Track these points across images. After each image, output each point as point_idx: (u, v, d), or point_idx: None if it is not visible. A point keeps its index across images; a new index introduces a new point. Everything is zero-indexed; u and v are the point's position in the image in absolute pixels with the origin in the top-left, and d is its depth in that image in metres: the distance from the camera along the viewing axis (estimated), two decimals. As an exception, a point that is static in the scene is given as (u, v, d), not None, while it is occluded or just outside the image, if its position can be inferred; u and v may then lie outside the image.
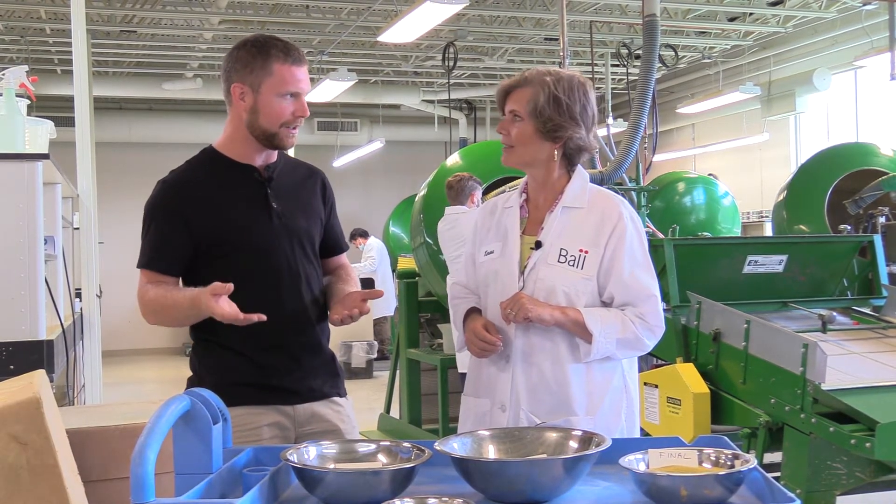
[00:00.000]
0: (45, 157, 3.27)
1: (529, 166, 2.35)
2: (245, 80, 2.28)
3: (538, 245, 2.29)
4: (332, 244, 2.54)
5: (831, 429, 3.25)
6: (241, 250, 2.31)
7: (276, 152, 2.40)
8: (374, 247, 11.80)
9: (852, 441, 3.15)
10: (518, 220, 2.35)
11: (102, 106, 12.74)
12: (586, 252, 2.27)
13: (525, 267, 2.29)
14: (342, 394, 2.47)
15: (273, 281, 2.33)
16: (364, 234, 11.97)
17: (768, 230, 10.92)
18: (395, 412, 6.79)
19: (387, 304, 11.17)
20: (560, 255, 2.27)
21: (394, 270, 11.52)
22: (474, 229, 2.47)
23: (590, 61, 10.51)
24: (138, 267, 2.34)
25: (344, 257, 2.61)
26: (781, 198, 6.63)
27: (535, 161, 2.32)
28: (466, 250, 2.50)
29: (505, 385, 2.28)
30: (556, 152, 2.30)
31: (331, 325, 2.49)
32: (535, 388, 2.26)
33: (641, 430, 4.18)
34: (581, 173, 2.38)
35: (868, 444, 3.10)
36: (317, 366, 2.39)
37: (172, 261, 2.32)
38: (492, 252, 2.35)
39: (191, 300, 2.19)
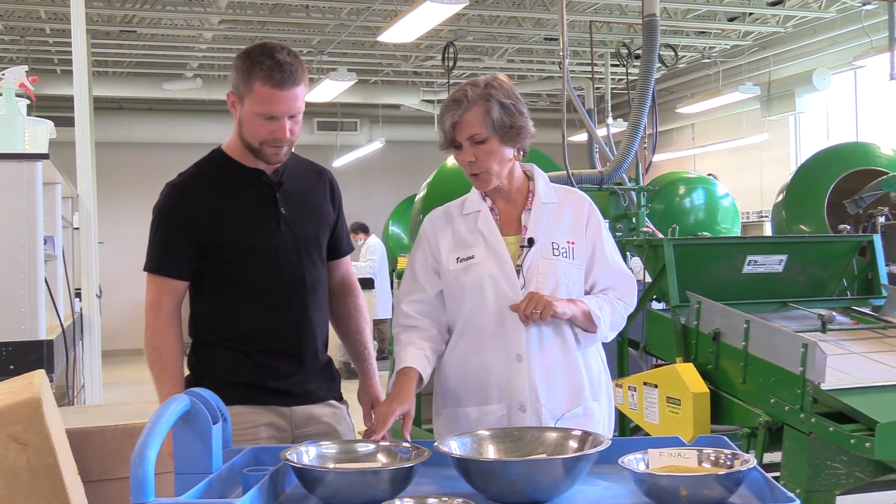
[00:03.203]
0: (44, 157, 3.27)
1: (503, 177, 2.33)
2: (235, 91, 2.27)
3: (531, 242, 2.29)
4: (337, 246, 2.52)
5: (831, 428, 3.25)
6: (248, 257, 2.30)
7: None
8: (376, 249, 11.80)
9: (852, 441, 3.15)
10: (494, 222, 2.34)
11: (102, 106, 12.72)
12: (573, 243, 2.33)
13: (520, 265, 2.29)
14: (338, 397, 2.47)
15: (278, 288, 2.33)
16: (365, 230, 11.94)
17: (768, 230, 10.92)
18: (394, 412, 6.79)
19: (387, 305, 11.20)
20: (553, 248, 2.31)
21: (393, 270, 11.52)
22: (426, 242, 2.38)
23: (589, 61, 10.50)
24: (145, 270, 2.34)
25: (348, 263, 2.59)
26: (781, 198, 6.63)
27: (506, 170, 2.32)
28: (411, 267, 2.39)
29: (522, 384, 2.25)
30: (517, 152, 2.34)
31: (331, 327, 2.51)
32: (552, 382, 2.27)
33: (641, 429, 4.19)
34: (539, 171, 2.43)
35: (868, 444, 3.10)
36: (315, 370, 2.40)
37: (180, 266, 2.32)
38: (470, 257, 2.31)
39: (163, 399, 2.21)
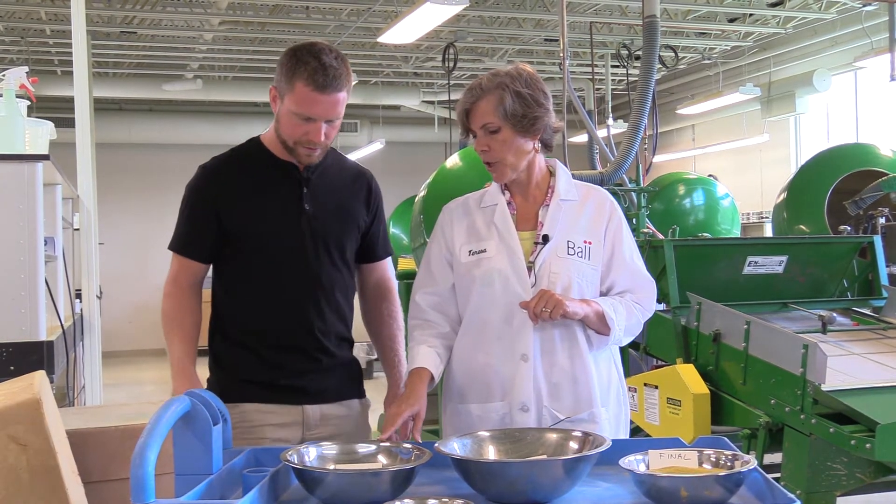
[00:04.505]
0: (45, 157, 3.26)
1: (521, 170, 2.30)
2: (277, 86, 2.26)
3: (545, 239, 2.25)
4: (371, 249, 2.49)
5: (831, 429, 3.25)
6: (264, 249, 2.31)
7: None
8: None
9: (852, 442, 3.15)
10: (510, 217, 2.31)
11: (102, 107, 12.73)
12: (590, 243, 2.28)
13: (532, 262, 2.25)
14: (359, 395, 2.44)
15: (291, 285, 2.31)
16: None
17: (768, 231, 10.91)
18: (395, 413, 6.79)
19: None
20: (568, 247, 2.25)
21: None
22: (441, 232, 2.37)
23: (590, 62, 10.51)
24: (169, 249, 2.39)
25: (384, 267, 2.54)
26: (781, 199, 6.62)
27: (523, 162, 2.29)
28: (426, 259, 2.38)
29: (526, 384, 2.21)
30: (536, 144, 2.29)
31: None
32: (558, 384, 2.22)
33: (642, 430, 4.19)
34: (562, 167, 2.39)
35: (868, 445, 3.10)
36: (331, 368, 2.37)
37: (201, 249, 2.35)
38: (482, 251, 2.28)
39: (174, 364, 2.27)
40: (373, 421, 2.43)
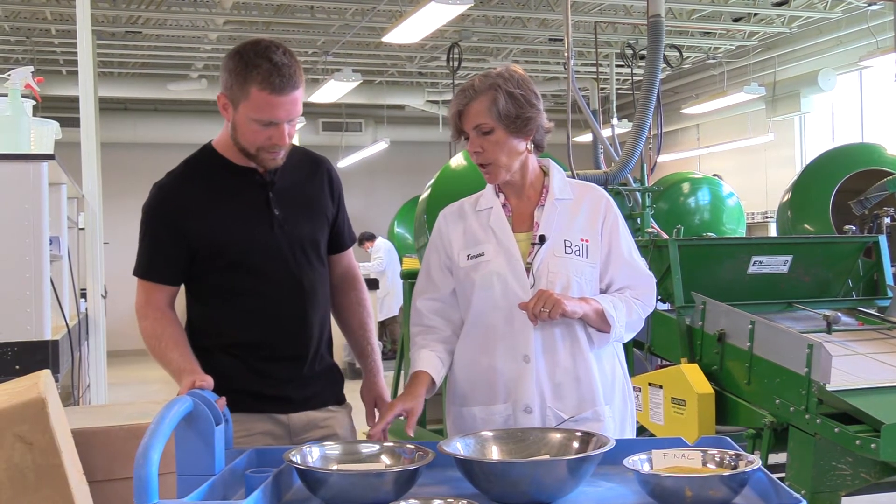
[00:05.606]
0: (50, 157, 3.26)
1: (514, 171, 2.29)
2: (227, 94, 2.15)
3: (542, 239, 2.25)
4: (339, 240, 2.43)
5: (836, 429, 3.24)
6: (240, 262, 2.22)
7: None
8: (381, 247, 11.80)
9: (857, 442, 3.14)
10: (506, 219, 2.31)
11: (107, 106, 12.75)
12: (587, 241, 2.28)
13: (530, 263, 2.25)
14: (341, 400, 2.41)
15: (273, 293, 2.25)
16: (371, 238, 11.96)
17: (773, 231, 10.91)
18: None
19: (396, 303, 11.13)
20: (565, 246, 2.26)
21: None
22: (439, 237, 2.37)
23: (594, 62, 10.49)
24: (135, 275, 2.27)
25: (350, 256, 2.51)
26: (786, 198, 6.61)
27: (516, 163, 2.28)
28: (426, 265, 2.38)
29: (529, 385, 2.21)
30: (528, 144, 2.29)
31: (333, 321, 2.46)
32: (560, 384, 2.22)
33: (646, 430, 4.19)
34: (556, 166, 2.39)
35: (873, 445, 3.09)
36: (316, 374, 2.33)
37: (169, 271, 2.25)
38: (480, 254, 2.28)
39: (176, 371, 2.11)
40: (360, 421, 2.42)
